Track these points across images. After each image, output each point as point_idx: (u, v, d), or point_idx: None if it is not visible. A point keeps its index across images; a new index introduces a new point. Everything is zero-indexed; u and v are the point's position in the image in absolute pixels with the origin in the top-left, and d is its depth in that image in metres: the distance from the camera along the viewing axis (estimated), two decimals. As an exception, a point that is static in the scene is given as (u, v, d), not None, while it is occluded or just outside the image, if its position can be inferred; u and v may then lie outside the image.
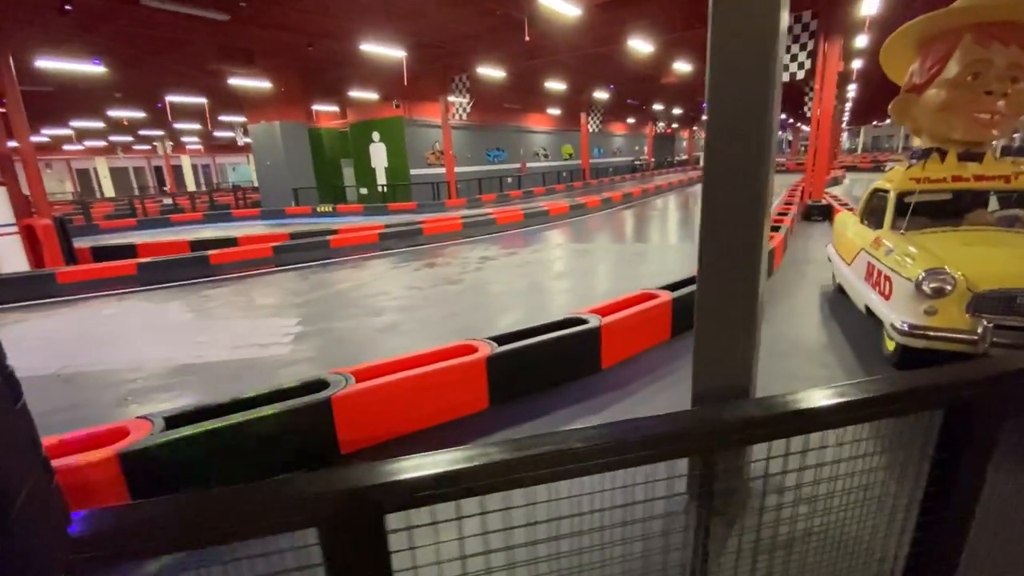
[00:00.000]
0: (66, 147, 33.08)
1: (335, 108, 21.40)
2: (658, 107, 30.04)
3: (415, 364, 3.51)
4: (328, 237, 10.12)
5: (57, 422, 3.58)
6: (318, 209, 18.50)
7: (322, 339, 5.35)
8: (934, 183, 4.37)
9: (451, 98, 18.64)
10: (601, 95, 23.83)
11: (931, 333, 3.34)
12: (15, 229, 8.70)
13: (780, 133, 62.26)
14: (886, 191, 4.67)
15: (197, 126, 25.30)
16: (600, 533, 1.29)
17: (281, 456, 2.95)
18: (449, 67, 17.14)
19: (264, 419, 2.85)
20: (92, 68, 11.98)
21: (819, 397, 1.32)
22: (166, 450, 2.57)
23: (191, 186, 41.32)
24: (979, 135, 4.21)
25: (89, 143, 32.21)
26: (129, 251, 10.56)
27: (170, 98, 16.58)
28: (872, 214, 4.92)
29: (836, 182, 20.73)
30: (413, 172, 20.63)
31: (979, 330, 3.16)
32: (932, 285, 3.32)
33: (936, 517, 1.41)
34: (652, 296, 4.82)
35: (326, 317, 6.14)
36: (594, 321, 4.16)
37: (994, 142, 4.50)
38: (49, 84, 14.65)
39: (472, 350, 3.67)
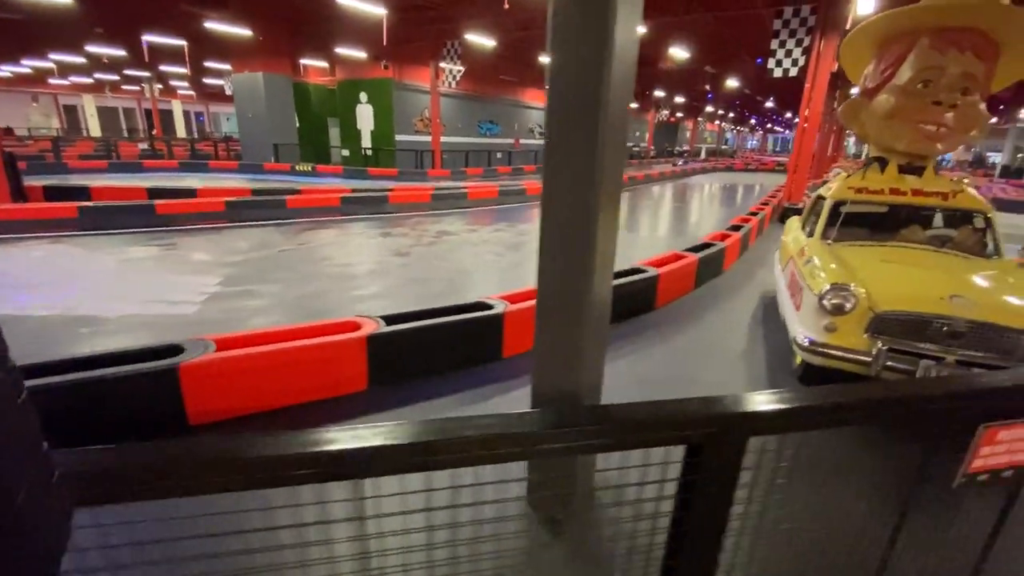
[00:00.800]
0: (51, 80, 32.00)
1: (324, 64, 20.70)
2: (659, 94, 29.37)
3: (291, 337, 3.35)
4: (286, 197, 9.81)
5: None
6: (297, 167, 18.06)
7: (237, 302, 5.15)
8: (871, 194, 4.19)
9: (443, 64, 18.07)
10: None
11: (828, 351, 3.20)
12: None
13: (786, 132, 61.45)
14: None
15: (183, 70, 24.46)
16: (451, 530, 1.26)
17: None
18: (441, 31, 16.54)
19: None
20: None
21: (645, 410, 1.22)
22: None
23: (181, 133, 40.35)
24: (923, 147, 4.01)
25: (76, 79, 31.16)
26: (83, 193, 10.22)
27: (149, 37, 15.90)
28: (812, 222, 4.74)
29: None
30: (399, 138, 20.14)
31: (873, 352, 3.02)
32: (833, 301, 3.17)
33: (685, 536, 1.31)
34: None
35: (253, 279, 5.93)
36: (500, 307, 4.00)
37: (941, 156, 4.30)
38: (18, 12, 13.99)
39: (356, 327, 3.52)
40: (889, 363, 3.00)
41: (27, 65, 24.66)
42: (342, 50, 17.35)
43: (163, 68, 24.35)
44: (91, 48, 18.74)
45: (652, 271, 5.26)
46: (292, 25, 16.47)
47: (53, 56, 21.58)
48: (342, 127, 21.23)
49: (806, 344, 3.28)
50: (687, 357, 4.27)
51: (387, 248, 7.87)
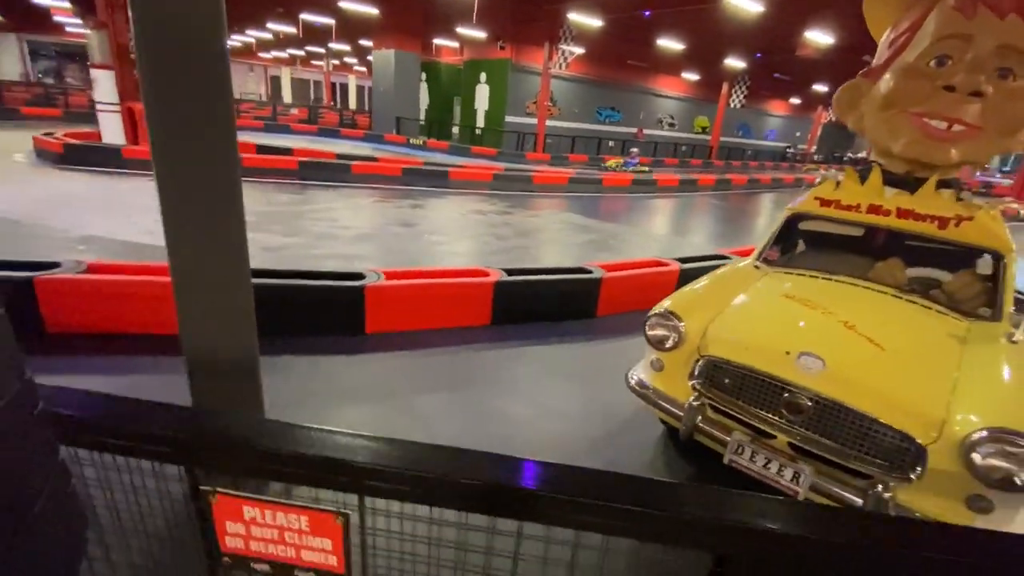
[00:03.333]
0: (261, 55, 38.57)
1: (455, 44, 21.70)
2: (823, 88, 25.13)
3: (436, 276, 4.28)
4: (351, 163, 10.63)
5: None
6: (411, 141, 19.38)
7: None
8: (840, 210, 3.15)
9: (562, 46, 17.74)
10: (742, 64, 20.63)
11: (647, 394, 2.55)
12: (118, 108, 10.62)
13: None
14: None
15: (348, 47, 27.65)
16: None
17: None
18: (556, 12, 16.17)
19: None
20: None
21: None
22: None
23: (353, 104, 45.85)
24: (927, 151, 2.86)
25: (277, 53, 37.13)
26: (288, 152, 12.21)
27: (304, 16, 18.29)
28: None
29: None
30: (510, 120, 20.35)
31: (685, 404, 2.34)
32: (653, 331, 2.51)
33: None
34: (663, 264, 5.19)
35: (254, 226, 6.61)
36: (597, 273, 4.65)
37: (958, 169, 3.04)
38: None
39: (485, 274, 4.31)
40: (701, 424, 2.30)
41: (236, 39, 30.02)
42: (464, 30, 17.99)
43: (332, 46, 27.75)
44: (272, 26, 22.13)
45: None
46: (421, 4, 17.45)
47: (251, 32, 25.95)
48: (462, 105, 22.16)
49: (633, 382, 2.66)
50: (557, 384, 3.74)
51: (405, 218, 8.14)
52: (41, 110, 17.33)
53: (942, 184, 2.92)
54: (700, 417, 2.31)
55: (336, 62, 37.74)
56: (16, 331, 2.55)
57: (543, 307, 4.46)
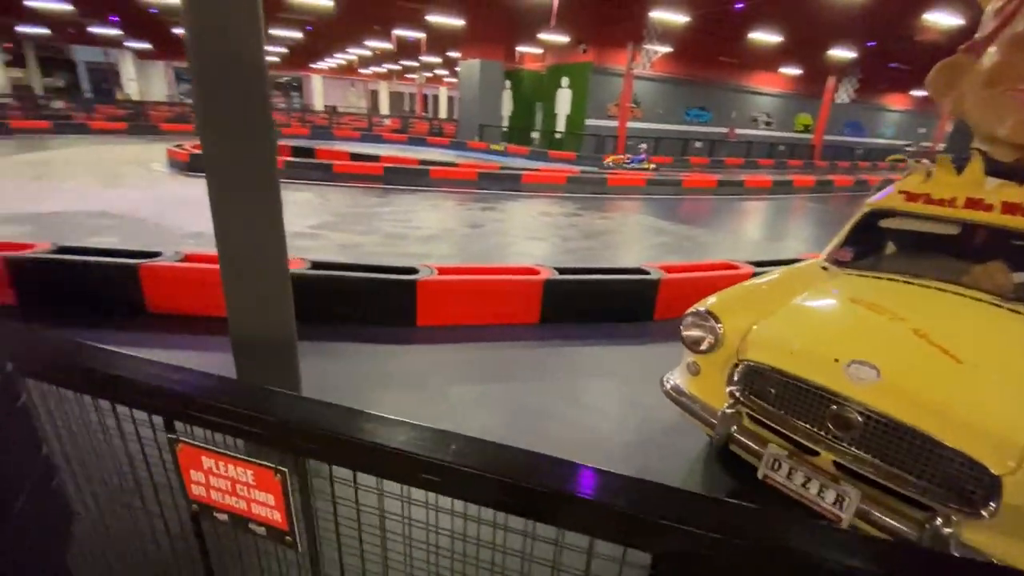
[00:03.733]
0: (360, 71, 41.63)
1: (539, 50, 21.90)
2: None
3: (486, 272, 4.42)
4: (430, 168, 11.11)
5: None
6: (492, 147, 19.86)
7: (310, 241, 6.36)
8: (931, 205, 2.76)
9: (646, 46, 17.26)
10: (851, 54, 18.69)
11: (682, 400, 2.41)
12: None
13: None
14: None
15: (439, 59, 28.97)
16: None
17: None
18: (642, 10, 15.74)
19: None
20: (329, 2, 14.97)
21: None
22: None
23: (444, 114, 47.97)
24: None
25: (375, 69, 39.84)
26: (309, 152, 13.42)
27: (397, 32, 19.45)
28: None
29: None
30: (591, 123, 20.15)
31: (719, 413, 2.18)
32: (688, 332, 2.36)
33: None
34: (733, 267, 4.87)
35: (334, 226, 7.14)
36: (656, 274, 4.42)
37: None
38: (308, 22, 18.72)
39: (536, 272, 4.32)
40: (736, 433, 2.12)
41: (339, 58, 32.61)
42: (546, 36, 18.11)
43: (424, 58, 29.23)
44: (370, 43, 23.78)
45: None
46: (503, 13, 17.83)
47: (352, 50, 28.08)
48: (544, 111, 22.32)
49: (668, 386, 2.51)
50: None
51: (468, 220, 8.34)
52: (178, 126, 20.02)
53: None
54: (735, 426, 2.12)
55: (428, 74, 39.68)
56: (123, 310, 2.98)
57: (596, 307, 4.34)
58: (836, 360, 1.89)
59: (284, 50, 28.99)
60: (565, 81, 20.68)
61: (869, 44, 18.45)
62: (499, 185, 11.25)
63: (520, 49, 22.11)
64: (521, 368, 3.60)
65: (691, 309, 2.39)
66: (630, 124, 20.60)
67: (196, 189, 9.30)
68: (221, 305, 3.68)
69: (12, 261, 3.83)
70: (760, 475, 2.01)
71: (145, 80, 35.62)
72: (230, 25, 1.85)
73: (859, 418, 1.79)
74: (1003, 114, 2.56)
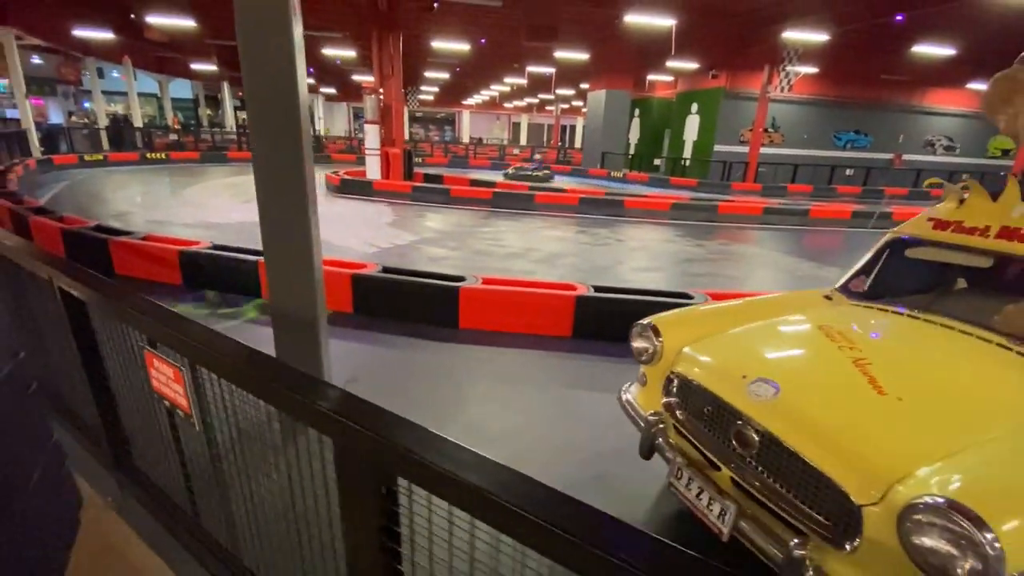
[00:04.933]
0: (505, 105, 44.83)
1: (670, 78, 21.66)
2: None
3: (525, 285, 4.69)
4: (535, 193, 11.79)
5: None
6: (612, 174, 20.04)
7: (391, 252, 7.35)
8: (961, 234, 2.50)
9: (787, 67, 16.16)
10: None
11: (628, 407, 2.54)
12: (379, 153, 14.03)
13: None
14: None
15: (572, 92, 30.12)
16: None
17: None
18: (775, 31, 14.86)
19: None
20: (466, 48, 16.82)
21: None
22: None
23: (579, 143, 49.24)
24: None
25: (516, 103, 42.63)
26: (438, 179, 15.05)
27: (529, 68, 20.85)
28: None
29: None
30: (720, 148, 19.21)
31: (645, 418, 2.30)
32: (633, 343, 2.48)
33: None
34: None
35: (432, 242, 8.06)
36: (699, 299, 4.33)
37: None
38: (455, 65, 20.93)
39: (573, 288, 4.54)
40: (661, 441, 2.21)
41: (485, 94, 35.59)
42: (675, 63, 17.93)
43: (561, 92, 30.62)
44: (509, 79, 25.77)
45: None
46: (624, 45, 18.11)
47: (494, 87, 30.58)
48: (671, 137, 21.87)
49: (621, 396, 2.64)
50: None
51: (551, 238, 8.71)
52: (346, 156, 23.75)
53: None
54: (660, 438, 2.18)
55: (565, 106, 41.26)
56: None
57: (629, 327, 4.32)
58: (744, 376, 1.90)
59: (436, 89, 32.74)
60: (694, 107, 20.09)
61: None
62: (601, 210, 11.44)
63: (651, 77, 22.08)
64: (534, 373, 3.87)
65: (639, 321, 2.48)
66: (768, 151, 19.18)
67: (339, 207, 11.14)
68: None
69: (182, 253, 5.22)
70: (667, 482, 2.06)
71: (331, 118, 42.80)
72: (271, 64, 2.53)
73: (755, 436, 1.79)
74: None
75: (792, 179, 18.28)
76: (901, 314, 2.35)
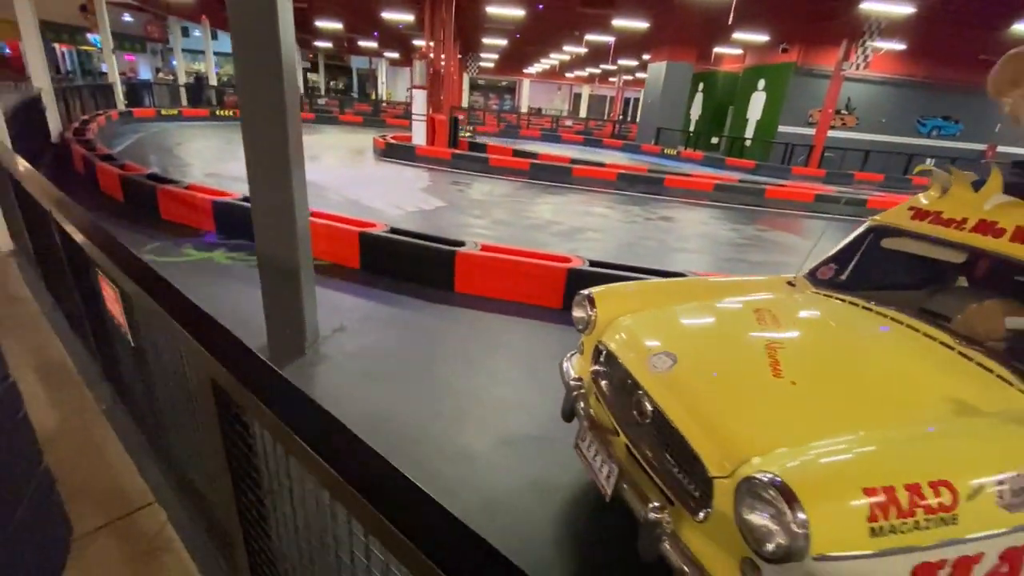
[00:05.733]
0: (567, 75, 43.67)
1: (738, 51, 20.31)
2: None
3: (521, 255, 4.73)
4: (572, 167, 11.64)
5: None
6: (665, 151, 19.29)
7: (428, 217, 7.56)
8: (938, 225, 2.35)
9: (868, 42, 14.79)
10: None
11: (564, 375, 2.57)
12: (424, 118, 14.21)
13: None
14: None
15: (635, 63, 28.88)
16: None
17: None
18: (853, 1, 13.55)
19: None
20: (520, 14, 16.46)
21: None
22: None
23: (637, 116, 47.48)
24: None
25: (578, 73, 41.42)
26: (481, 148, 15.09)
27: (587, 36, 20.15)
28: None
29: None
30: (787, 130, 17.96)
31: (570, 382, 2.38)
32: (573, 312, 2.51)
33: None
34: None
35: (458, 208, 8.22)
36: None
37: None
38: (514, 30, 20.54)
39: (567, 260, 4.61)
40: (580, 407, 2.26)
41: (545, 63, 34.79)
42: (743, 35, 16.78)
43: (623, 62, 29.45)
44: (567, 47, 25.05)
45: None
46: (682, 13, 17.06)
47: (553, 55, 29.83)
48: (735, 114, 20.67)
49: (563, 363, 2.68)
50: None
51: (586, 212, 8.62)
52: (401, 121, 24.14)
53: None
54: (582, 402, 2.24)
55: (629, 77, 39.67)
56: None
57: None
58: (650, 349, 1.93)
59: (496, 56, 32.34)
60: (761, 84, 18.80)
61: None
62: (639, 188, 11.14)
63: (717, 50, 20.78)
64: (518, 341, 3.98)
65: (580, 291, 2.51)
66: (839, 134, 17.75)
67: (380, 170, 11.49)
68: (318, 250, 4.64)
69: (215, 203, 5.66)
70: (574, 443, 2.14)
71: (393, 83, 43.38)
72: (255, 21, 2.68)
73: (648, 406, 1.83)
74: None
75: (862, 166, 16.86)
76: (855, 305, 2.25)
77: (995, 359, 1.79)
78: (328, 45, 33.32)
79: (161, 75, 29.16)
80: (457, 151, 13.03)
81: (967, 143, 18.38)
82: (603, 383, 2.19)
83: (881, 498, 1.21)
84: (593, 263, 4.55)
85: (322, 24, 23.03)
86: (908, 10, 12.10)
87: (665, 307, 2.32)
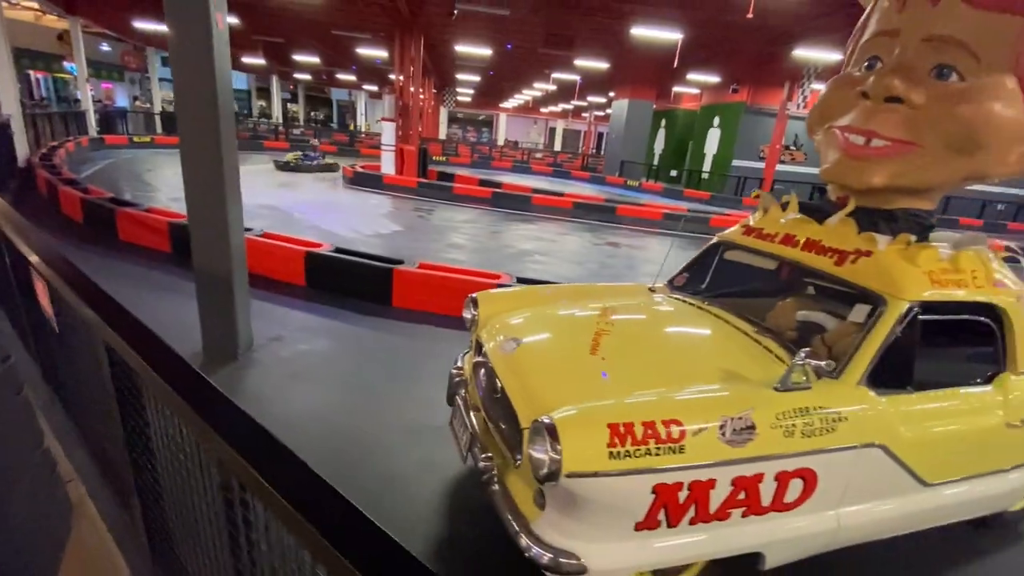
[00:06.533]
0: (542, 109, 45.32)
1: (695, 91, 21.63)
2: None
3: (455, 272, 5.17)
4: (532, 195, 12.24)
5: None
6: (628, 183, 20.21)
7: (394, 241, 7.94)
8: (758, 239, 2.83)
9: (808, 84, 16.00)
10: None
11: (452, 371, 2.90)
12: (393, 149, 14.77)
13: None
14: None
15: (604, 99, 30.30)
16: None
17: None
18: (785, 51, 14.76)
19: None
20: (487, 53, 17.38)
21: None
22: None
23: (613, 151, 49.24)
24: (841, 173, 2.47)
25: (552, 108, 43.05)
26: (450, 177, 15.67)
27: (555, 75, 21.26)
28: None
29: None
30: (741, 163, 19.09)
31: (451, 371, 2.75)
32: (464, 313, 2.89)
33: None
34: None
35: (412, 232, 8.63)
36: None
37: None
38: (488, 68, 21.54)
39: (497, 277, 5.05)
40: (461, 391, 2.62)
41: (519, 98, 36.18)
42: (696, 76, 17.98)
43: (593, 99, 30.86)
44: (539, 85, 26.26)
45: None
46: (635, 55, 18.21)
47: (526, 91, 31.12)
48: (693, 149, 21.83)
49: (457, 359, 3.04)
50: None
51: (512, 236, 9.12)
52: (374, 151, 24.74)
53: (885, 218, 2.39)
54: (463, 388, 2.61)
55: (600, 113, 41.42)
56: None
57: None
58: (504, 337, 2.32)
59: (471, 91, 33.58)
60: (716, 121, 20.03)
61: None
62: (593, 216, 11.76)
63: (677, 89, 22.09)
64: (436, 345, 4.33)
65: (469, 295, 2.90)
66: (788, 168, 18.93)
67: (346, 197, 11.90)
68: (270, 268, 5.05)
69: (171, 224, 5.96)
70: (449, 422, 2.49)
71: (373, 115, 44.37)
72: (192, 54, 3.08)
73: (499, 382, 2.21)
74: (826, 153, 2.57)
75: (810, 197, 17.92)
76: (692, 305, 2.70)
77: (778, 342, 2.23)
78: (308, 77, 34.18)
79: (138, 103, 29.44)
80: (424, 180, 13.55)
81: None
82: (480, 371, 2.57)
83: (621, 431, 1.60)
84: (520, 279, 4.97)
85: (300, 58, 23.83)
86: (836, 57, 13.26)
87: (535, 307, 2.73)
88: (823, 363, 1.85)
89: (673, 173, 21.99)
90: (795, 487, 1.81)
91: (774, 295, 2.78)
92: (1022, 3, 1.98)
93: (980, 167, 2.15)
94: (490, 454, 2.00)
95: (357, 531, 0.70)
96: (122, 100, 31.29)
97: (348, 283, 5.19)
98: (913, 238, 2.16)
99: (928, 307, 2.03)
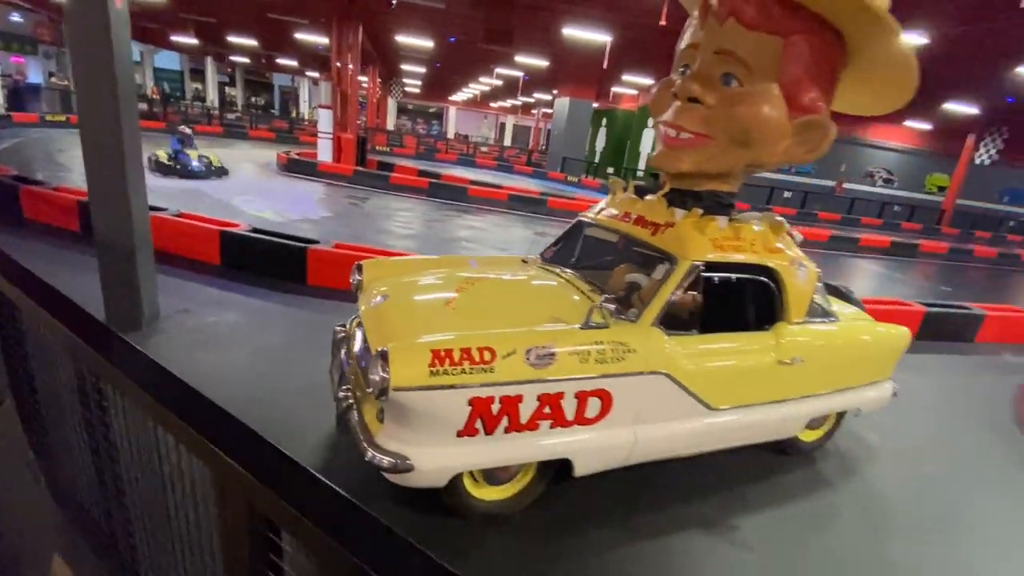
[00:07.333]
0: (492, 104, 45.59)
1: (634, 91, 22.59)
2: None
3: (372, 252, 5.28)
4: (468, 187, 12.56)
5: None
6: (568, 178, 20.90)
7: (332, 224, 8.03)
8: (603, 217, 3.31)
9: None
10: (972, 110, 16.35)
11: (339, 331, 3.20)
12: (330, 136, 14.66)
13: None
14: None
15: (550, 97, 30.94)
16: None
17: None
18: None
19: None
20: (429, 45, 17.50)
21: None
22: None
23: (561, 148, 50.19)
24: (661, 160, 2.93)
25: (502, 104, 43.40)
26: (389, 167, 15.72)
27: (499, 70, 21.64)
28: None
29: None
30: (672, 163, 20.13)
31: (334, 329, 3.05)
32: (351, 278, 3.18)
33: None
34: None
35: (344, 220, 8.75)
36: None
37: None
38: (433, 60, 21.60)
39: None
40: (341, 347, 2.92)
41: (468, 91, 36.29)
42: (631, 77, 18.85)
43: (539, 96, 31.44)
44: (483, 79, 26.52)
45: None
46: (570, 55, 18.86)
47: (473, 85, 31.31)
48: (631, 148, 22.82)
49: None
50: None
51: (450, 226, 9.44)
52: (313, 139, 24.23)
53: (693, 197, 2.88)
54: (344, 345, 2.92)
55: (548, 110, 42.21)
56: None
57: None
58: (375, 293, 2.66)
59: (419, 82, 33.40)
60: (650, 121, 21.02)
61: (1009, 100, 16.12)
62: (527, 208, 12.24)
63: (616, 90, 22.99)
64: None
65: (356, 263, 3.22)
66: (715, 168, 20.18)
67: (276, 184, 11.78)
68: (188, 247, 5.12)
69: (81, 203, 5.87)
70: (328, 370, 2.81)
71: (315, 101, 43.16)
72: (90, 33, 3.21)
73: (364, 331, 2.55)
74: (656, 142, 3.06)
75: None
76: (550, 272, 3.14)
77: (596, 297, 2.69)
78: (246, 60, 32.86)
79: (54, 80, 27.33)
80: (360, 168, 13.58)
81: (819, 180, 21.56)
82: (357, 327, 2.90)
83: (441, 355, 1.99)
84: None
85: (236, 40, 22.96)
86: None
87: (414, 272, 3.09)
88: (614, 307, 2.30)
89: (610, 170, 22.87)
90: (594, 405, 2.26)
91: (618, 263, 3.26)
92: (784, 26, 2.50)
93: (756, 157, 2.68)
94: (350, 387, 2.35)
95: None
96: (36, 76, 28.95)
97: (263, 263, 5.33)
98: (700, 212, 2.67)
99: (711, 266, 2.54)
